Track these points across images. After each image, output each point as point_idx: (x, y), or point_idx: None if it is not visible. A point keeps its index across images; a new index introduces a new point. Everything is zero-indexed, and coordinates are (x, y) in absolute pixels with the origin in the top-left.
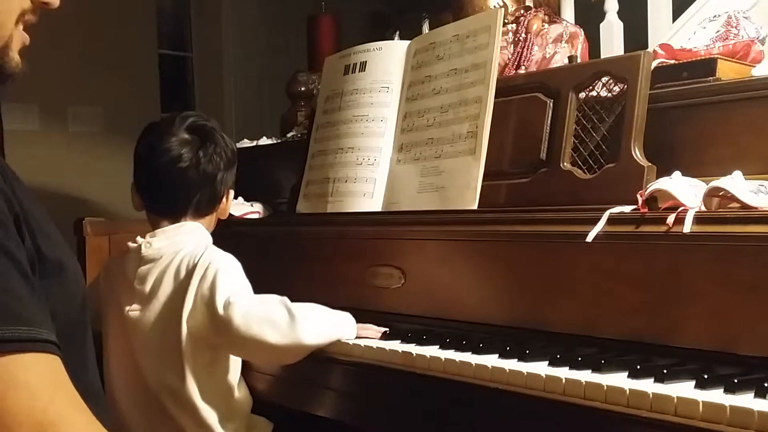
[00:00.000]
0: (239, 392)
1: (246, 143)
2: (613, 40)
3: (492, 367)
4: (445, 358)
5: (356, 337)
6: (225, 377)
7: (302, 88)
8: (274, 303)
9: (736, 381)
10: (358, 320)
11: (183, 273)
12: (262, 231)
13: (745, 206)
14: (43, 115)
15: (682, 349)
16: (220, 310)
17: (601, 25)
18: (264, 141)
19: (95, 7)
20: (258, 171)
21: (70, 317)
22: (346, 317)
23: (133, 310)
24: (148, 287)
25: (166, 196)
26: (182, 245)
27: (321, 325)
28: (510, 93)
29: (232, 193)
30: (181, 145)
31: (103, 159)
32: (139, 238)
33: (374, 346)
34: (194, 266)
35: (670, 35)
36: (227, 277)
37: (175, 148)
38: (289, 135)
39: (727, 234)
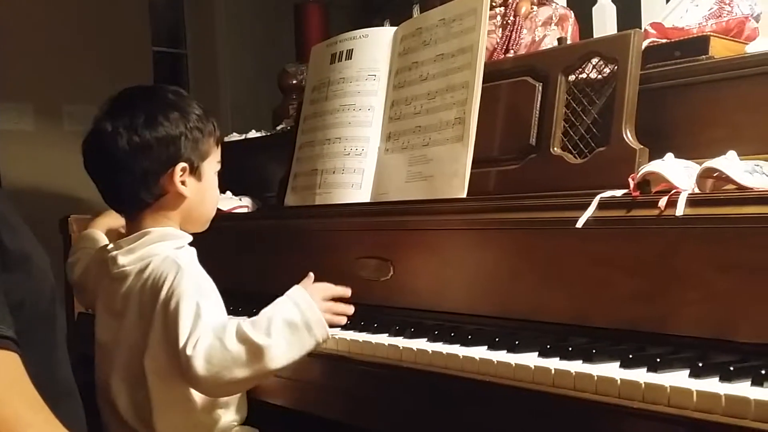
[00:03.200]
0: (228, 409)
1: (235, 137)
2: (606, 23)
3: (480, 359)
4: (432, 351)
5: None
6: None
7: (293, 81)
8: (232, 340)
9: (732, 369)
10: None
11: (149, 295)
12: (249, 225)
13: (740, 187)
14: (37, 114)
15: (677, 336)
16: (183, 362)
17: (594, 8)
18: (253, 134)
19: (88, 5)
20: (247, 165)
21: (38, 309)
22: (308, 319)
23: (104, 325)
24: (117, 305)
25: (104, 194)
26: (148, 257)
27: (286, 345)
28: (498, 77)
29: (182, 165)
30: (93, 134)
31: None
32: (110, 246)
33: (360, 340)
34: (158, 289)
35: (664, 16)
36: (186, 314)
37: (89, 139)
38: (278, 128)
39: (721, 216)
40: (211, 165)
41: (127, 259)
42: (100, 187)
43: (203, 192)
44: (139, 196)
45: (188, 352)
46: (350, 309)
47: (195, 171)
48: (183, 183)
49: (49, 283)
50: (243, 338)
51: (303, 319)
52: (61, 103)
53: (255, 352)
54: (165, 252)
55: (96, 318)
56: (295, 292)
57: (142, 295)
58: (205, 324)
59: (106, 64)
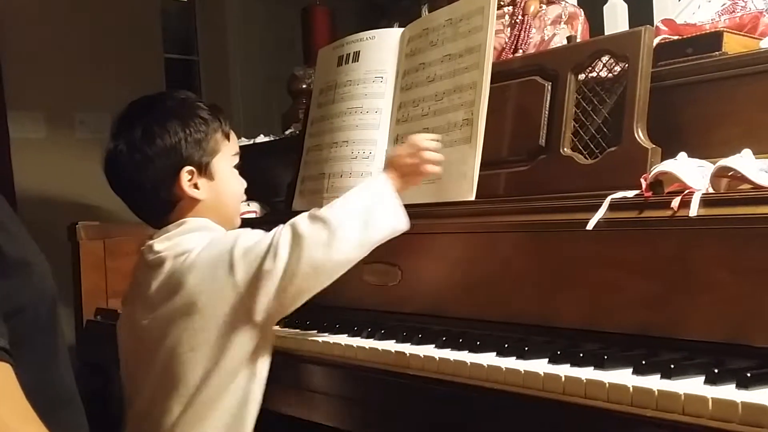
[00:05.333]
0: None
1: (243, 142)
2: (617, 22)
3: (488, 366)
4: (440, 358)
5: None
6: (240, 402)
7: (303, 85)
8: (305, 223)
9: (749, 375)
10: (355, 320)
11: (196, 271)
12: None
13: (756, 186)
14: (49, 122)
15: (692, 341)
16: (277, 271)
17: (605, 6)
18: (261, 139)
19: (100, 12)
20: (255, 170)
21: (38, 315)
22: (382, 201)
23: (144, 320)
24: (153, 294)
25: (130, 208)
26: (187, 246)
27: (359, 221)
28: (506, 77)
29: (188, 169)
30: (109, 152)
31: None
32: (147, 241)
33: (367, 347)
34: (208, 261)
35: (677, 14)
36: (251, 242)
37: (104, 159)
38: (287, 132)
39: (737, 216)
40: (224, 160)
41: (163, 246)
42: (125, 203)
43: (218, 190)
44: (155, 208)
45: (271, 250)
46: (439, 156)
47: (205, 171)
48: (195, 186)
49: (49, 289)
50: (313, 216)
51: (376, 199)
52: (73, 111)
53: (327, 226)
54: (202, 241)
55: (125, 316)
56: (376, 173)
57: (188, 278)
58: (276, 229)
59: (118, 72)
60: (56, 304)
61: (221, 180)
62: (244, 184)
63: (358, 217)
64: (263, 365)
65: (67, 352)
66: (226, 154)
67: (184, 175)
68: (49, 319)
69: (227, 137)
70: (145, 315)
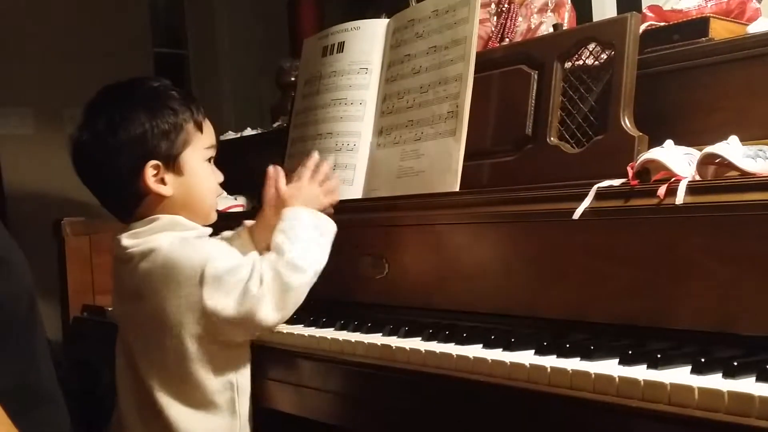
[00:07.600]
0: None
1: (230, 135)
2: (605, 9)
3: (474, 358)
4: (425, 351)
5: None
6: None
7: (291, 78)
8: (283, 267)
9: (735, 364)
10: (342, 313)
11: (161, 282)
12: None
13: (743, 173)
14: (38, 118)
15: (679, 331)
16: (252, 304)
17: None
18: (248, 132)
19: (88, 7)
20: (242, 163)
21: (16, 313)
22: (317, 223)
23: (116, 311)
24: (126, 288)
25: (99, 200)
26: (154, 245)
27: (317, 246)
28: (492, 66)
29: (152, 164)
30: (73, 141)
31: None
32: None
33: (353, 340)
34: (174, 274)
35: (665, 0)
36: (229, 269)
37: (72, 146)
38: (275, 125)
39: (723, 204)
40: (196, 153)
41: (131, 242)
42: (93, 194)
43: (188, 185)
44: (121, 202)
45: (254, 291)
46: (337, 181)
47: (173, 165)
48: (162, 181)
49: (27, 287)
50: (277, 251)
51: (314, 222)
52: (62, 106)
53: (293, 256)
54: (172, 240)
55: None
56: (291, 211)
57: (152, 282)
58: (254, 261)
59: (107, 67)
60: (35, 302)
61: (192, 175)
62: (220, 177)
63: (309, 238)
64: (244, 378)
65: (48, 351)
66: (198, 147)
67: (149, 170)
68: (27, 318)
69: (200, 128)
70: (117, 306)
